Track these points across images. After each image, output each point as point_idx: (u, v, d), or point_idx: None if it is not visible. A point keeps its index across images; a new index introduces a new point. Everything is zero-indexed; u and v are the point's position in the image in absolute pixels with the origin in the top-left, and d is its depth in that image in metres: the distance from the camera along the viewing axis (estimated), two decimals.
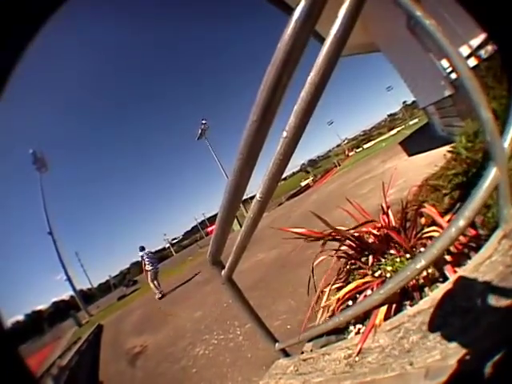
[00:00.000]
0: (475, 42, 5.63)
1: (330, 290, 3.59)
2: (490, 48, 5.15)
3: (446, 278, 2.37)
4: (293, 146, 1.52)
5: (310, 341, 3.25)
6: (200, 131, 51.93)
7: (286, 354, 3.30)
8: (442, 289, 2.00)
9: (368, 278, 3.14)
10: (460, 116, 7.41)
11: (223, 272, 2.99)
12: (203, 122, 51.76)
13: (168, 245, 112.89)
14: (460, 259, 2.46)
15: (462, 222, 1.58)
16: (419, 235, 3.16)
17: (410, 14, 1.56)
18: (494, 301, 1.54)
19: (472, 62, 5.58)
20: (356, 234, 3.66)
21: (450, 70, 6.74)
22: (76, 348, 13.85)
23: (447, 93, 7.84)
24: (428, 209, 3.22)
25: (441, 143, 8.59)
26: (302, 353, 3.18)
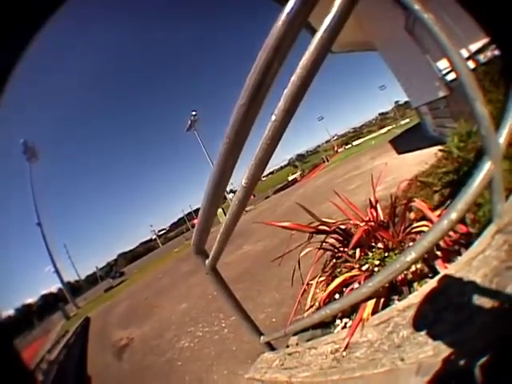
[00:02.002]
0: (474, 46, 5.65)
1: (316, 282, 3.56)
2: (489, 53, 5.16)
3: (435, 274, 2.30)
4: (281, 130, 1.46)
5: (295, 334, 3.20)
6: (190, 122, 51.80)
7: (271, 347, 3.24)
8: (432, 283, 1.95)
9: (355, 272, 3.09)
10: (453, 117, 7.41)
11: (207, 261, 2.92)
12: (193, 113, 51.67)
13: (155, 236, 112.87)
14: (450, 256, 2.42)
15: (454, 215, 1.53)
16: (408, 230, 3.12)
17: (410, 9, 1.53)
18: (488, 296, 1.49)
19: (470, 65, 5.58)
20: (343, 227, 3.63)
21: (445, 71, 6.77)
22: (64, 341, 13.95)
23: (441, 94, 7.84)
24: (418, 203, 3.16)
25: (432, 143, 8.62)
26: (288, 346, 3.14)
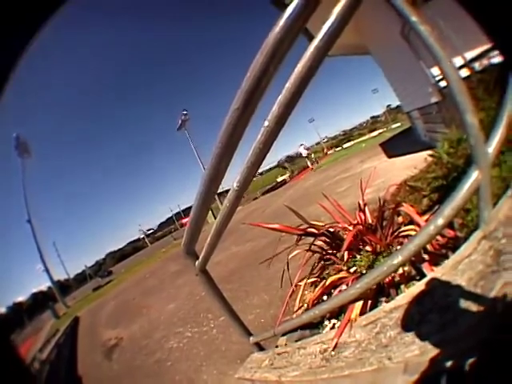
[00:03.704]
0: (471, 54, 5.72)
1: (304, 284, 3.61)
2: (484, 62, 5.21)
3: (423, 277, 2.34)
4: (273, 135, 1.50)
5: (284, 335, 3.25)
6: (180, 122, 51.52)
7: (260, 347, 3.30)
8: (419, 285, 1.99)
9: (343, 274, 3.13)
10: (444, 123, 7.47)
11: (197, 263, 2.95)
12: (184, 112, 51.42)
13: (143, 236, 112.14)
14: (437, 259, 2.45)
15: (440, 221, 1.57)
16: (396, 233, 3.17)
17: (405, 18, 1.54)
18: (472, 299, 1.53)
19: (464, 72, 5.64)
20: (331, 230, 3.66)
21: (439, 77, 6.82)
22: (55, 341, 13.90)
23: (434, 100, 7.90)
24: (406, 207, 3.22)
25: (422, 148, 8.63)
26: (277, 347, 3.19)
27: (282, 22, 1.25)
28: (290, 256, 3.89)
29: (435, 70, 6.76)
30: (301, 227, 3.74)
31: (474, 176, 1.52)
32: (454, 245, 2.50)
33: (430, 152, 4.84)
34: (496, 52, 4.94)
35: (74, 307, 32.64)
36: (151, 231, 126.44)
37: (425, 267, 2.40)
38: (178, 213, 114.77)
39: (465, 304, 1.56)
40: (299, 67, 1.33)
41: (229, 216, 2.24)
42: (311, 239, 3.75)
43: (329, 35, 1.29)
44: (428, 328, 1.65)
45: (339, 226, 3.73)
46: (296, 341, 2.99)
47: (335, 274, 3.24)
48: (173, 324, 8.01)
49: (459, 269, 1.71)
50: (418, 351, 1.59)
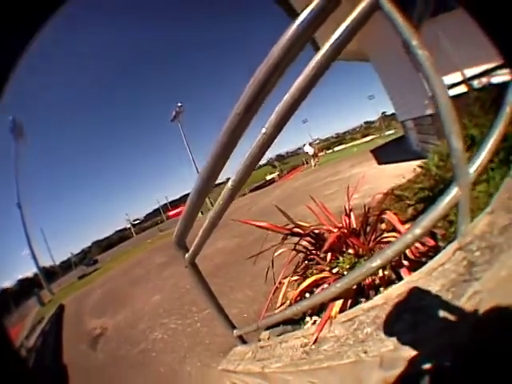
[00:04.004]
0: (471, 71, 5.82)
1: (288, 281, 3.70)
2: (484, 80, 5.31)
3: (401, 281, 2.46)
4: (269, 142, 1.64)
5: (266, 329, 3.35)
6: (174, 113, 51.51)
7: (243, 341, 3.38)
8: (396, 288, 2.10)
9: (325, 274, 3.24)
10: (437, 135, 7.56)
11: (187, 255, 3.04)
12: (179, 104, 51.41)
13: (129, 225, 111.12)
14: (416, 266, 2.56)
15: (418, 231, 1.70)
16: (378, 239, 3.28)
17: (402, 36, 1.62)
18: (443, 304, 1.64)
19: (462, 88, 5.75)
20: (316, 231, 3.77)
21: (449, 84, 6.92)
22: (40, 329, 13.92)
23: (429, 111, 7.99)
24: (389, 215, 3.31)
25: (413, 157, 8.70)
26: (259, 340, 3.29)
27: (290, 31, 1.37)
28: (275, 254, 4.00)
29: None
30: (287, 227, 3.87)
31: (453, 192, 1.64)
32: (433, 254, 2.61)
33: (419, 163, 4.92)
34: (496, 72, 5.07)
35: (59, 294, 32.37)
36: (138, 221, 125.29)
37: (403, 272, 2.54)
38: (165, 205, 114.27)
39: (436, 308, 1.67)
40: (300, 80, 1.45)
41: (221, 213, 2.34)
42: (297, 239, 3.88)
43: (330, 52, 1.41)
44: (401, 326, 1.77)
45: (324, 228, 3.84)
46: (278, 335, 3.08)
47: (318, 273, 3.35)
48: (158, 315, 8.03)
49: (433, 275, 1.81)
50: (392, 346, 1.70)
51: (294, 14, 9.11)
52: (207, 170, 2.04)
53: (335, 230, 3.49)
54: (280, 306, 3.68)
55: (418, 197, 3.98)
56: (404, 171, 5.97)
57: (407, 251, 2.76)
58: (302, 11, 1.39)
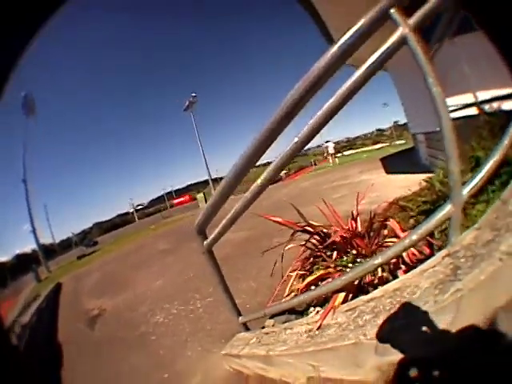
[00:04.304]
0: (483, 95, 6.03)
1: (296, 275, 3.95)
2: (495, 105, 5.53)
3: None
4: (298, 150, 2.02)
5: (270, 318, 3.57)
6: (188, 103, 51.51)
7: (246, 328, 3.63)
8: (393, 283, 2.39)
9: (330, 270, 3.48)
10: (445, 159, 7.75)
11: (205, 242, 3.28)
12: (193, 94, 51.40)
13: (132, 210, 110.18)
14: (411, 269, 2.85)
15: (414, 237, 2.08)
16: (380, 243, 3.55)
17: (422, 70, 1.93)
18: (432, 297, 1.94)
19: (473, 111, 5.97)
20: (325, 231, 4.01)
21: (451, 108, 7.10)
22: (36, 306, 13.84)
23: (440, 130, 8.19)
24: (392, 223, 3.61)
25: (420, 171, 8.90)
26: (263, 328, 3.50)
27: (326, 57, 1.76)
28: (286, 248, 4.21)
29: (450, 101, 7.07)
30: (299, 224, 4.12)
31: (447, 208, 1.97)
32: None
33: (425, 177, 5.17)
34: (508, 98, 5.28)
35: (56, 273, 32.13)
36: (141, 207, 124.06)
37: (400, 273, 2.84)
38: (169, 192, 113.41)
39: (425, 302, 1.96)
40: (332, 101, 1.82)
41: (245, 207, 2.65)
42: (305, 236, 4.12)
43: (362, 76, 1.79)
44: (394, 315, 2.09)
45: (332, 228, 4.06)
46: (283, 323, 3.29)
47: (324, 269, 3.58)
48: (159, 299, 8.04)
49: (424, 275, 2.12)
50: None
51: (315, 14, 9.38)
52: (239, 167, 2.38)
53: (342, 232, 3.77)
54: (286, 296, 3.85)
55: (420, 209, 4.23)
56: (410, 183, 6.19)
57: (406, 257, 3.06)
58: (344, 33, 1.76)
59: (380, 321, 2.12)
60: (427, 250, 3.07)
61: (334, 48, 1.78)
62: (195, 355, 4.72)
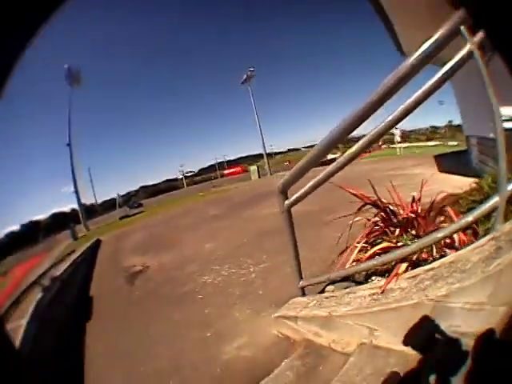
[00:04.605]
0: None
1: (361, 246, 4.10)
2: None
3: None
4: (381, 134, 2.57)
5: (332, 283, 3.91)
6: (245, 77, 51.80)
7: (303, 294, 3.92)
8: (449, 257, 2.73)
9: (392, 244, 3.74)
10: (496, 159, 7.87)
11: (286, 202, 3.56)
12: (251, 68, 51.67)
13: (181, 176, 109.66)
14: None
15: (463, 222, 2.54)
16: (437, 226, 3.75)
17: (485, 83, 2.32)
18: (480, 269, 2.31)
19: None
20: (392, 208, 4.21)
21: (505, 117, 7.19)
22: (71, 260, 14.11)
23: (493, 135, 8.30)
24: (449, 209, 3.93)
25: (471, 174, 8.98)
26: (322, 292, 3.83)
27: (409, 60, 2.21)
28: (355, 219, 4.43)
29: (506, 110, 7.18)
30: (371, 198, 4.38)
31: (494, 199, 2.38)
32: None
33: (476, 180, 5.57)
34: None
35: (95, 231, 32.28)
36: (191, 174, 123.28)
37: (450, 252, 3.11)
38: (221, 162, 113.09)
39: (473, 273, 2.34)
40: (412, 99, 2.32)
41: (328, 177, 3.04)
42: (368, 213, 4.47)
43: (435, 84, 2.27)
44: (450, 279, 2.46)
45: (399, 206, 4.31)
46: (344, 289, 3.53)
47: (387, 242, 3.86)
48: (209, 262, 8.22)
49: (474, 252, 2.50)
50: (444, 292, 2.35)
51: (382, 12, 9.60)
52: (329, 140, 2.82)
53: (404, 213, 4.08)
54: (350, 264, 3.96)
55: (469, 206, 4.49)
56: (461, 184, 6.26)
57: (457, 239, 3.38)
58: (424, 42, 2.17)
59: (439, 285, 2.46)
60: (472, 238, 3.38)
61: (412, 58, 2.22)
62: (243, 317, 4.89)
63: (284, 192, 3.61)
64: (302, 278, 3.90)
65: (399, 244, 3.71)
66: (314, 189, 3.22)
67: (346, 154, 2.77)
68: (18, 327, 5.90)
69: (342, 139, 2.79)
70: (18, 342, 5.20)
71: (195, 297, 6.36)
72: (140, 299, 7.49)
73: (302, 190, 3.32)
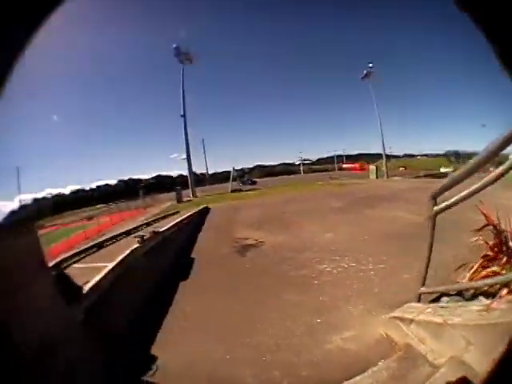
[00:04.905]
0: None
1: (478, 265, 4.26)
2: None
3: None
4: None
5: (448, 295, 3.96)
6: (365, 72, 51.46)
7: (418, 300, 4.00)
8: None
9: (498, 270, 3.94)
10: None
11: (435, 208, 3.52)
12: (370, 65, 51.12)
13: (298, 162, 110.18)
14: None
15: None
16: None
17: None
18: None
19: None
20: (506, 235, 4.26)
21: None
22: (175, 220, 14.22)
23: None
24: None
25: None
26: (437, 301, 3.91)
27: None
28: (473, 239, 4.64)
29: None
30: (493, 222, 4.54)
31: None
32: None
33: None
34: None
35: (203, 199, 32.05)
36: (308, 162, 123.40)
37: None
38: (340, 156, 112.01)
39: None
40: None
41: (481, 189, 2.84)
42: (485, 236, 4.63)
43: None
44: None
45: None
46: (456, 302, 3.65)
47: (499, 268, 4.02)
48: (329, 251, 8.41)
49: None
50: None
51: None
52: (493, 144, 2.52)
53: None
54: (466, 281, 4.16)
55: None
56: None
57: None
58: None
59: None
60: None
61: None
62: (355, 312, 5.00)
63: (434, 198, 3.58)
64: (424, 284, 3.95)
65: (503, 271, 3.95)
66: (465, 198, 3.11)
67: (499, 168, 2.57)
68: (101, 268, 6.27)
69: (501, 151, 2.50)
70: (97, 279, 5.50)
71: (312, 282, 6.51)
72: (251, 272, 7.88)
73: (453, 199, 3.26)
